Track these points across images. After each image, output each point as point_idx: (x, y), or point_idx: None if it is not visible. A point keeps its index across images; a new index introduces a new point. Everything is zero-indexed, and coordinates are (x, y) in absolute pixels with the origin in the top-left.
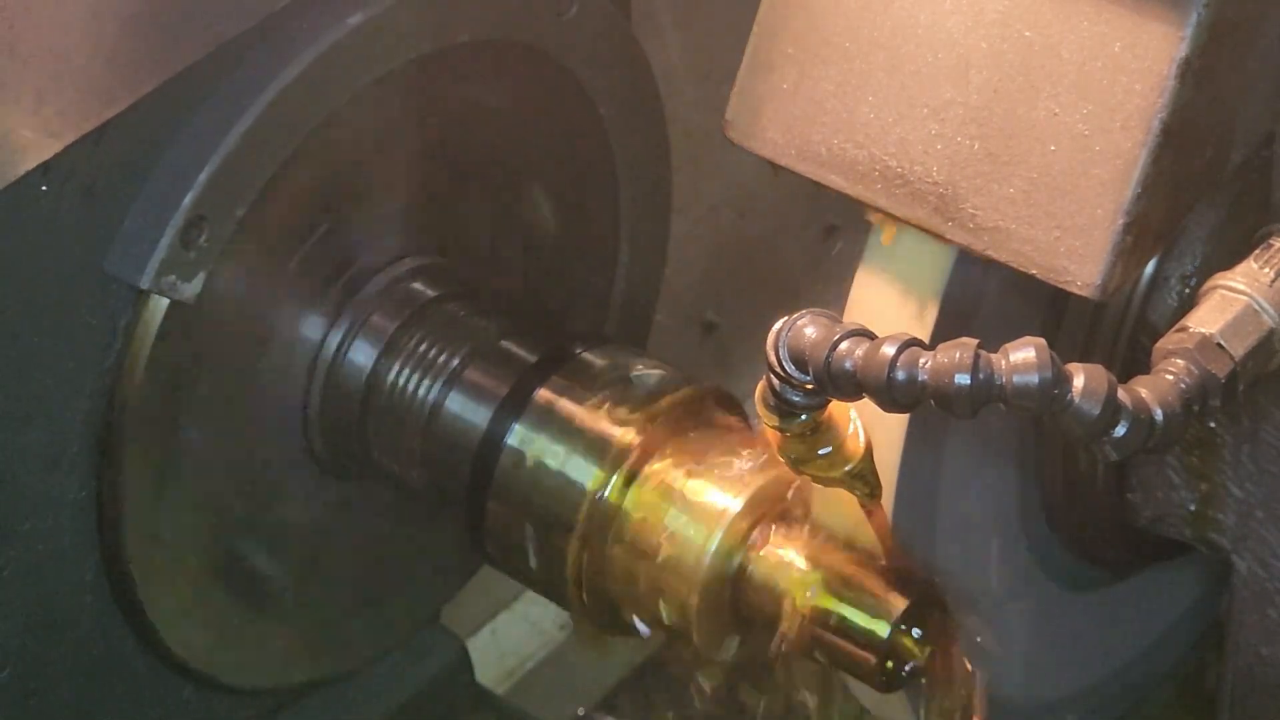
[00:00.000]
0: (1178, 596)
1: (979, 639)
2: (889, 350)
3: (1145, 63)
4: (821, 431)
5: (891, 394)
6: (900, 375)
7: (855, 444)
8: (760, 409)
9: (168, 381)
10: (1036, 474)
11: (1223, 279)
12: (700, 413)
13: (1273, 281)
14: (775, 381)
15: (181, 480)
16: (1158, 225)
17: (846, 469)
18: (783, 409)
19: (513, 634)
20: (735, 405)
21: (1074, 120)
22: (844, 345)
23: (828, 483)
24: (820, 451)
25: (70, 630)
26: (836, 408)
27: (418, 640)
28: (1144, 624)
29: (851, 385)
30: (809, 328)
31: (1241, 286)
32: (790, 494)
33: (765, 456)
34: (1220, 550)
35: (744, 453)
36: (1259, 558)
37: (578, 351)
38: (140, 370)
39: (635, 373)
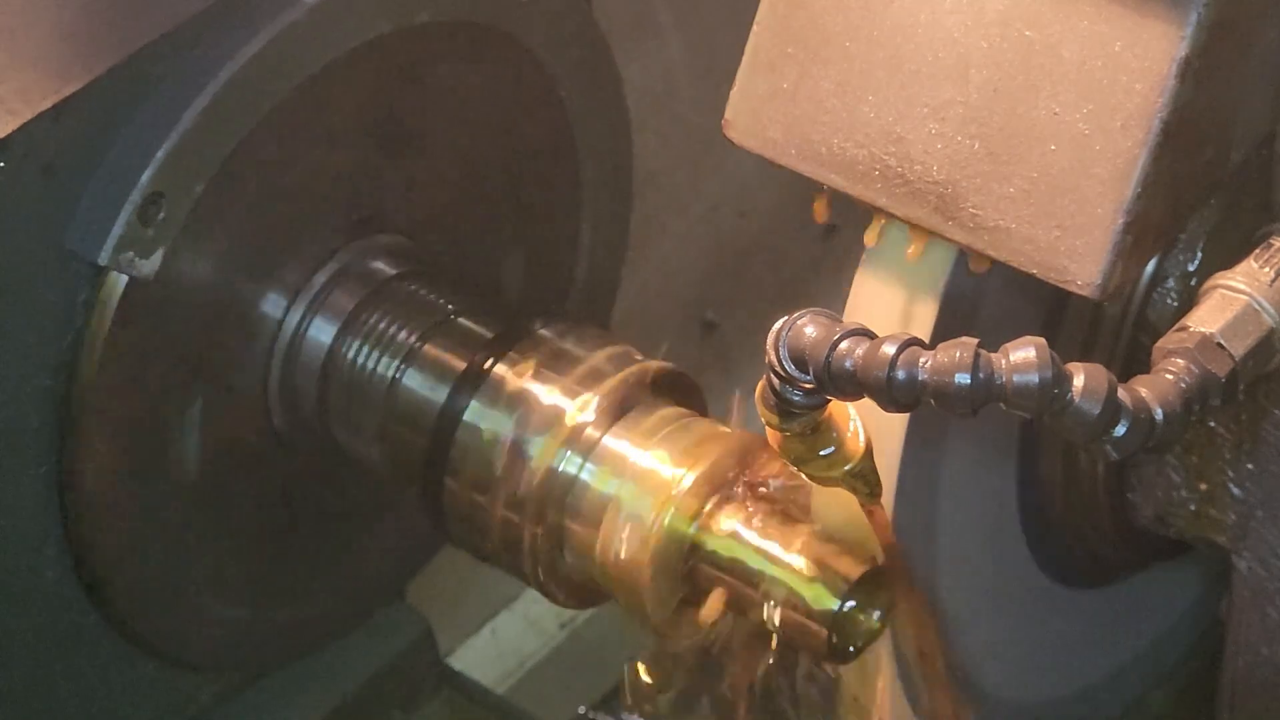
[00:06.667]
0: (1178, 596)
1: (977, 640)
2: (889, 350)
3: (1145, 62)
4: (821, 431)
5: (891, 394)
6: (900, 375)
7: (855, 444)
8: (760, 409)
9: (127, 357)
10: (1036, 474)
11: (1223, 279)
12: (655, 390)
13: (1273, 281)
14: (775, 381)
15: (142, 455)
16: (1158, 225)
17: (846, 469)
18: (783, 409)
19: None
20: (689, 383)
21: (1074, 119)
22: (844, 345)
23: (828, 483)
24: (820, 451)
25: (31, 606)
26: (836, 408)
27: (381, 618)
28: (1144, 624)
29: (851, 385)
30: (809, 327)
31: (1241, 286)
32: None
33: (718, 431)
34: (1220, 550)
35: (697, 427)
36: (1259, 558)
37: (535, 328)
38: (100, 346)
39: (591, 349)
